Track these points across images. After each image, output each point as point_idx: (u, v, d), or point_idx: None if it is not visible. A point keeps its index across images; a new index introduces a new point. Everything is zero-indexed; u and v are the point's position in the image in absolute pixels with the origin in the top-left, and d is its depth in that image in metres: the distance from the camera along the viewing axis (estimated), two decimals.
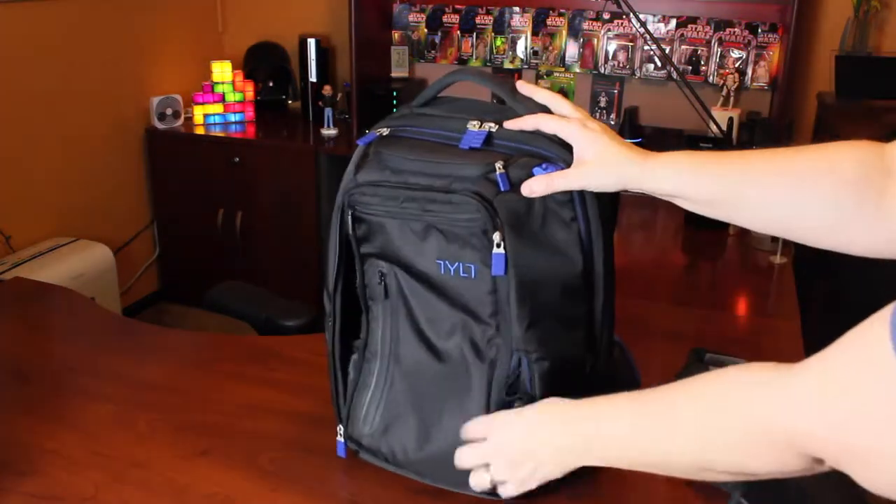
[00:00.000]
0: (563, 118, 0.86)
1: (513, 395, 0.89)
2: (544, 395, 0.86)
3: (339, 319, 0.99)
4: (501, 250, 0.83)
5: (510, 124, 0.87)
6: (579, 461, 0.79)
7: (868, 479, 0.53)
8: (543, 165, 0.84)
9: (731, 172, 0.80)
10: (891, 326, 0.48)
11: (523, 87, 0.91)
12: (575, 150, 0.85)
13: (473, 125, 0.88)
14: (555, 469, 0.81)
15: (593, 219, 0.86)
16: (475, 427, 0.86)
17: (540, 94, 0.90)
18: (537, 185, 0.83)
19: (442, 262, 0.89)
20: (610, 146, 0.84)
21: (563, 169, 0.84)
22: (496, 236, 0.83)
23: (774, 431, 0.59)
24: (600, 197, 0.87)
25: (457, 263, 0.88)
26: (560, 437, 0.80)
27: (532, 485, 0.83)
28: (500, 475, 0.84)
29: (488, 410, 0.90)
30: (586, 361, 0.92)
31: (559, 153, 0.85)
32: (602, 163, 0.83)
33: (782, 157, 0.79)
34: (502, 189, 0.83)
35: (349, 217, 0.92)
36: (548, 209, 0.85)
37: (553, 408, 0.81)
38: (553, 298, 0.87)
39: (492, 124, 0.88)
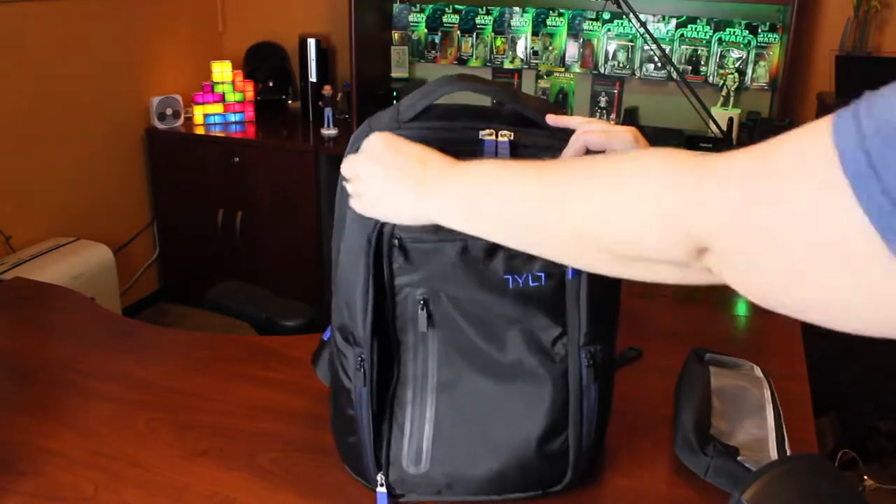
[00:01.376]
0: (610, 126, 0.84)
1: None
2: (602, 387, 0.91)
3: (375, 364, 0.90)
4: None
5: (554, 120, 0.86)
6: (434, 217, 0.74)
7: (746, 280, 0.50)
8: None
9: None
10: (834, 130, 0.43)
11: (555, 119, 0.86)
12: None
13: (487, 134, 0.84)
14: (405, 214, 0.78)
15: None
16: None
17: (572, 122, 0.86)
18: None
19: (510, 277, 0.87)
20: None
21: None
22: None
23: (674, 206, 0.53)
24: None
25: (525, 274, 0.86)
26: (433, 162, 0.75)
27: (376, 210, 0.80)
28: (357, 191, 0.81)
29: (564, 406, 0.91)
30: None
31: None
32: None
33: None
34: None
35: (392, 248, 0.86)
36: None
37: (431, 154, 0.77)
38: (610, 292, 0.91)
39: (506, 132, 0.84)
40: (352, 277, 0.88)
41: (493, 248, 0.86)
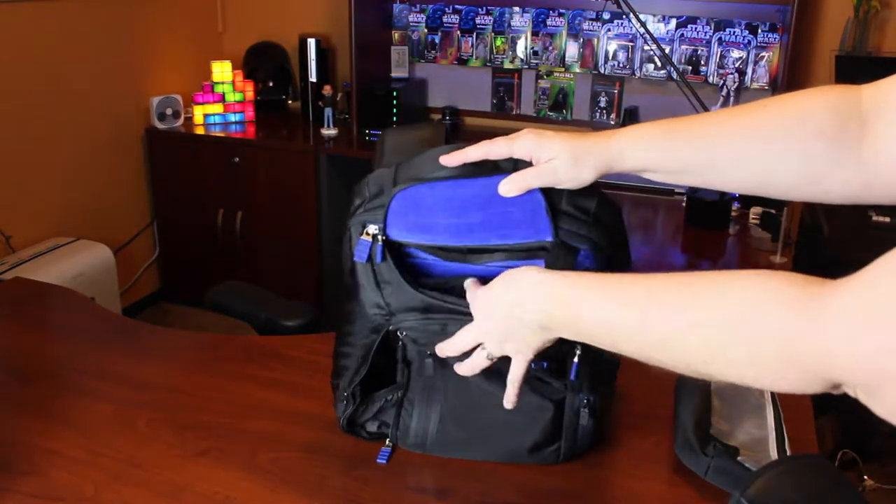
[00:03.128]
0: (510, 137, 0.85)
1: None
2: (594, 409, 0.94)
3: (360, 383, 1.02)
4: None
5: (447, 160, 0.86)
6: (562, 334, 0.76)
7: (891, 406, 0.51)
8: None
9: (700, 138, 0.79)
10: None
11: (449, 159, 0.87)
12: (538, 157, 0.84)
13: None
14: (531, 339, 0.78)
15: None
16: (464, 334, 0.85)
17: (471, 154, 0.86)
18: (509, 185, 0.84)
19: None
20: (571, 139, 0.83)
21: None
22: None
23: (800, 355, 0.54)
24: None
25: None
26: (549, 315, 0.75)
27: (506, 350, 0.81)
28: (494, 350, 0.82)
29: (559, 420, 0.97)
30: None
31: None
32: (571, 157, 0.82)
33: (750, 115, 0.77)
34: None
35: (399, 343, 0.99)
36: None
37: (542, 283, 0.76)
38: None
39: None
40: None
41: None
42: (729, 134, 0.78)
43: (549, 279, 0.75)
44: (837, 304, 0.52)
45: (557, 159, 0.83)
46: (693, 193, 2.14)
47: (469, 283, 0.87)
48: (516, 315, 0.77)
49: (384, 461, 1.01)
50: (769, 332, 0.56)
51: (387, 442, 1.04)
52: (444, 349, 0.87)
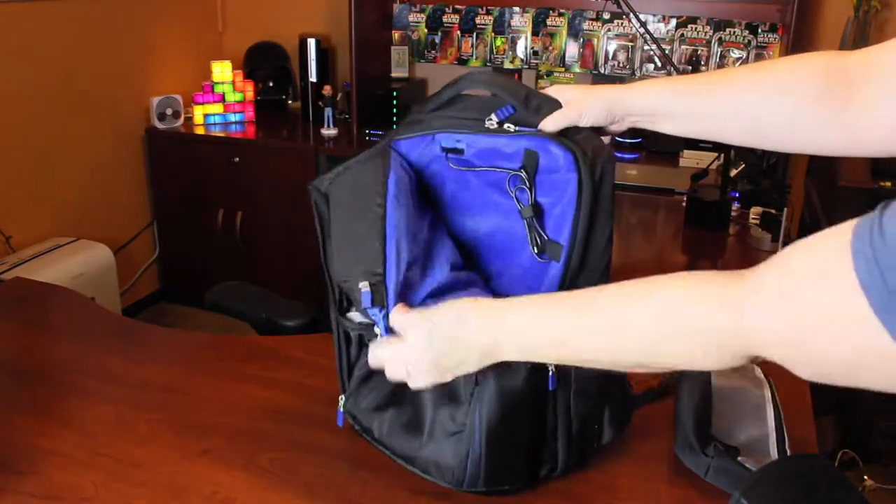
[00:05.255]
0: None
1: None
2: (494, 397, 0.90)
3: (339, 295, 1.01)
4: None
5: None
6: (499, 357, 0.79)
7: (806, 371, 0.58)
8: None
9: (706, 89, 0.88)
10: (853, 254, 0.51)
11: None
12: (562, 99, 0.93)
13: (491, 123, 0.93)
14: (473, 364, 0.81)
15: None
16: (381, 349, 0.86)
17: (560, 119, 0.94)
18: (549, 123, 0.90)
19: None
20: (590, 87, 0.94)
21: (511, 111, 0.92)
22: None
23: (724, 340, 0.63)
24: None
25: None
26: (482, 334, 0.79)
27: (448, 377, 0.83)
28: (420, 378, 0.83)
29: (468, 404, 0.92)
30: (542, 367, 0.93)
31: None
32: (586, 94, 0.92)
33: (750, 74, 0.87)
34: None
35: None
36: None
37: (472, 307, 0.81)
38: None
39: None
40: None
41: None
42: (729, 86, 0.86)
43: (481, 303, 0.81)
44: (753, 289, 0.60)
45: (580, 99, 0.91)
46: (693, 193, 2.14)
47: (398, 307, 0.86)
48: (457, 348, 0.80)
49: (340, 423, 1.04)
50: (695, 325, 0.64)
51: (340, 402, 1.04)
52: (373, 356, 0.87)
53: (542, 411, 0.94)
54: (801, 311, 0.56)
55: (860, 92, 0.77)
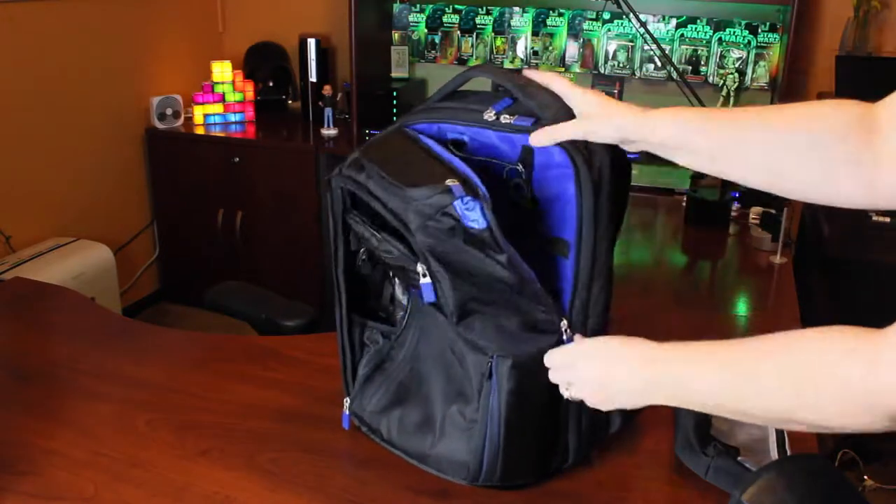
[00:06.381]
0: (569, 82, 0.92)
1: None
2: (510, 391, 0.90)
3: (345, 292, 1.03)
4: (428, 280, 0.87)
5: (528, 74, 0.93)
6: (654, 400, 0.82)
7: None
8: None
9: (731, 127, 0.83)
10: None
11: (529, 73, 0.94)
12: (576, 107, 0.90)
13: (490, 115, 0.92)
14: (627, 402, 0.84)
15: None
16: (558, 356, 0.89)
17: (541, 77, 0.94)
18: (540, 136, 0.87)
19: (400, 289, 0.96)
20: (610, 101, 0.89)
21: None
22: (420, 268, 0.87)
23: (864, 395, 0.61)
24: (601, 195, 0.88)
25: (412, 290, 0.94)
26: (637, 378, 0.82)
27: (608, 408, 0.86)
28: (578, 395, 0.88)
29: (479, 401, 0.92)
30: None
31: (554, 115, 0.88)
32: (602, 113, 0.88)
33: (777, 115, 0.82)
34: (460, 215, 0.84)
35: (340, 195, 0.97)
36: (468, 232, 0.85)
37: (634, 346, 0.83)
38: (499, 304, 0.89)
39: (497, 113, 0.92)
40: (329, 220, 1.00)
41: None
42: (758, 128, 0.82)
43: (636, 347, 0.83)
44: (890, 346, 0.59)
45: (594, 115, 0.88)
46: (693, 193, 2.14)
47: (577, 337, 0.91)
48: (623, 392, 0.84)
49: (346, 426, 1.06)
50: (840, 379, 0.63)
51: (345, 404, 1.06)
52: (551, 374, 0.90)
53: (557, 403, 0.94)
54: None
55: (882, 146, 0.74)
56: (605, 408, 0.87)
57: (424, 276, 0.87)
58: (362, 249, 1.03)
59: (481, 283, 0.87)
